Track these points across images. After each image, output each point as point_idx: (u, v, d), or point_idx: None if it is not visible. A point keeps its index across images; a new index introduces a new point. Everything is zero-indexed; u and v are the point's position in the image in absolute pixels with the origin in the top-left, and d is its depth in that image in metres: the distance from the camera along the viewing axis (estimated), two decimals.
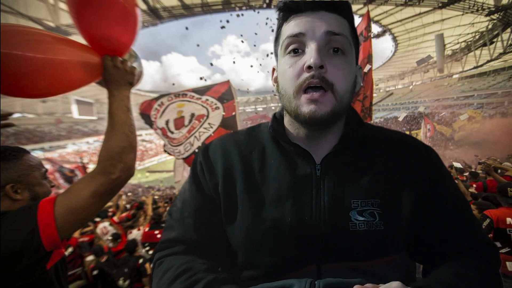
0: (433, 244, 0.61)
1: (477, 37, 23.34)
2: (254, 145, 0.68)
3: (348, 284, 0.46)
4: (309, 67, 0.54)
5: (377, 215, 0.56)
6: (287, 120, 0.68)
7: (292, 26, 0.58)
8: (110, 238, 3.98)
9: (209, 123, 3.05)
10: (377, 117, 34.66)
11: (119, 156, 0.89)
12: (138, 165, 33.50)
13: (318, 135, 0.63)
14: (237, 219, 0.62)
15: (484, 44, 22.57)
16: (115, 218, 4.89)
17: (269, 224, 0.58)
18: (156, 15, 19.89)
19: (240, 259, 0.62)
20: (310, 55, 0.54)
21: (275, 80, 0.67)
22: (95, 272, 3.12)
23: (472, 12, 17.78)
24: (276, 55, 0.66)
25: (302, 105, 0.56)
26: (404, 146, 0.65)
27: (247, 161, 0.65)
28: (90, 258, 3.43)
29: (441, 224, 0.60)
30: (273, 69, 0.69)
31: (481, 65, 25.88)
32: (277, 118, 0.70)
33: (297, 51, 0.57)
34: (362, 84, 2.91)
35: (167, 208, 5.54)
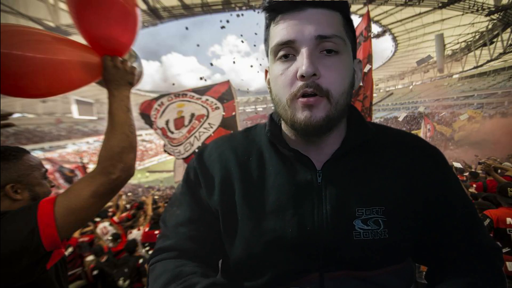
0: (440, 249, 0.59)
1: (477, 37, 23.32)
2: (252, 149, 0.64)
3: None
4: (302, 76, 0.50)
5: (382, 222, 0.54)
6: (284, 124, 0.64)
7: (280, 31, 0.53)
8: (110, 238, 3.99)
9: (209, 123, 3.05)
10: (377, 117, 34.67)
11: (119, 156, 0.89)
12: (138, 165, 33.47)
13: (317, 140, 0.59)
14: (237, 230, 0.59)
15: (484, 44, 22.54)
16: (115, 218, 4.89)
17: (269, 236, 0.55)
18: (156, 15, 19.88)
19: (241, 270, 0.60)
20: (302, 62, 0.50)
21: (269, 82, 0.62)
22: (95, 272, 3.12)
23: (472, 12, 17.77)
24: (267, 55, 0.61)
25: (298, 111, 0.53)
26: (410, 148, 0.62)
27: (245, 168, 0.61)
28: (90, 258, 3.43)
29: (450, 228, 0.58)
30: (266, 71, 0.64)
31: (481, 65, 25.86)
32: (274, 120, 0.65)
33: (288, 56, 0.53)
34: (362, 84, 2.90)
35: None
